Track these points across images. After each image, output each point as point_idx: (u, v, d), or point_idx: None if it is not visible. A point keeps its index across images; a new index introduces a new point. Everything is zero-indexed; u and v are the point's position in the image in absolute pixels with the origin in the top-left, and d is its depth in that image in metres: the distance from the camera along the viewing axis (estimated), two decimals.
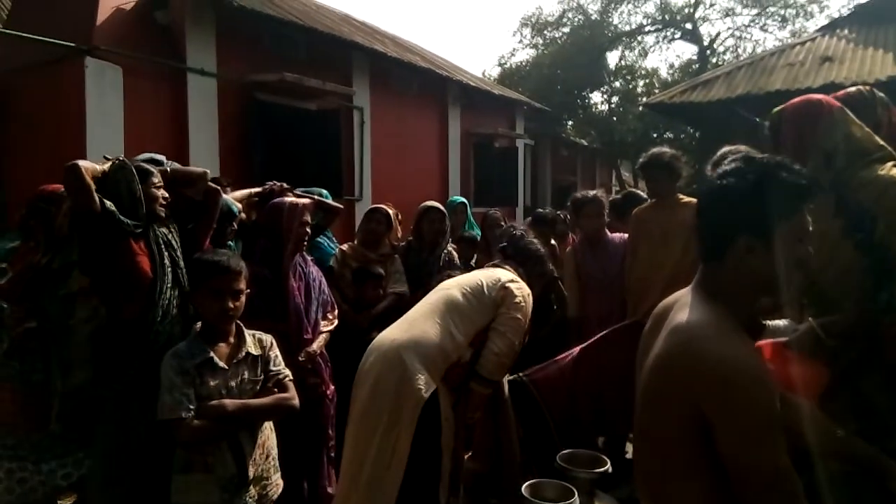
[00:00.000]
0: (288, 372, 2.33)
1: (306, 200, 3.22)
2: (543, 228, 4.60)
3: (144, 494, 2.42)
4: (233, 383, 2.18)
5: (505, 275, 2.74)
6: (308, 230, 3.09)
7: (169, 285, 2.71)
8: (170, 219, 2.85)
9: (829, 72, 9.09)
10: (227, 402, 2.12)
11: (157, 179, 2.79)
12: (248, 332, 2.30)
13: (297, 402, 2.29)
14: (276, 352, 2.35)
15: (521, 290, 2.70)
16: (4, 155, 6.08)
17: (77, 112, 5.40)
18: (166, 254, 2.73)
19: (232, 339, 2.26)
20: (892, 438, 1.88)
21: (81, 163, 2.48)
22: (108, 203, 2.55)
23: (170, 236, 2.81)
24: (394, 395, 2.45)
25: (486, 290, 2.67)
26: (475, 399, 2.67)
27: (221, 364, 2.16)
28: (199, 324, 2.25)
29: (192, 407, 2.07)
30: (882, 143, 2.08)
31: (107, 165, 2.63)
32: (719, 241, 1.33)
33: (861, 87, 2.42)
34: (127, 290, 2.60)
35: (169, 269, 2.74)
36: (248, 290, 2.29)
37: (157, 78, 6.13)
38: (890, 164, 1.99)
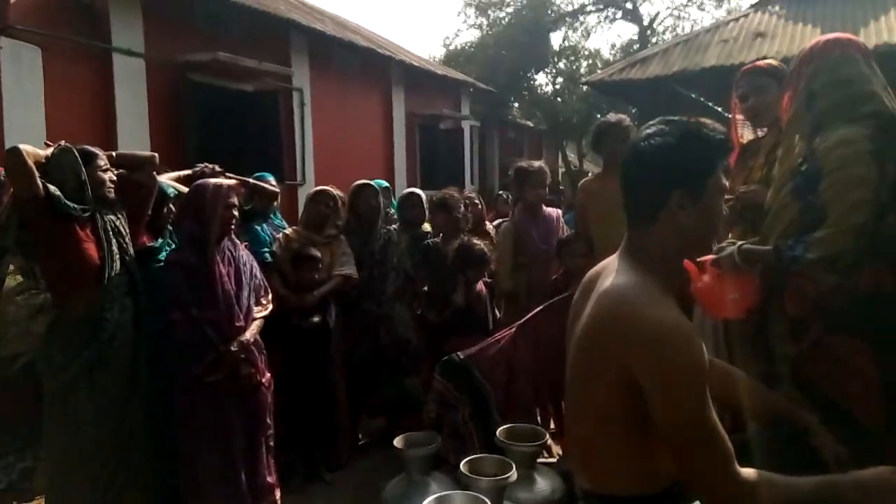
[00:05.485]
0: None
1: (232, 182, 3.10)
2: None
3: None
4: None
5: None
6: (235, 213, 2.97)
7: (117, 272, 2.65)
8: (118, 205, 2.77)
9: (761, 47, 9.31)
10: None
11: (102, 162, 2.70)
12: None
13: None
14: None
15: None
16: None
17: None
18: (114, 241, 2.67)
19: None
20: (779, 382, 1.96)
21: (23, 147, 2.43)
22: (51, 188, 2.47)
23: (118, 223, 2.74)
24: None
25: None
26: None
27: None
28: None
29: None
30: (886, 104, 1.91)
31: (49, 150, 2.57)
32: (653, 201, 1.33)
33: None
34: (73, 278, 2.54)
35: (117, 257, 2.68)
36: None
37: (79, 59, 5.85)
38: (863, 125, 1.87)
